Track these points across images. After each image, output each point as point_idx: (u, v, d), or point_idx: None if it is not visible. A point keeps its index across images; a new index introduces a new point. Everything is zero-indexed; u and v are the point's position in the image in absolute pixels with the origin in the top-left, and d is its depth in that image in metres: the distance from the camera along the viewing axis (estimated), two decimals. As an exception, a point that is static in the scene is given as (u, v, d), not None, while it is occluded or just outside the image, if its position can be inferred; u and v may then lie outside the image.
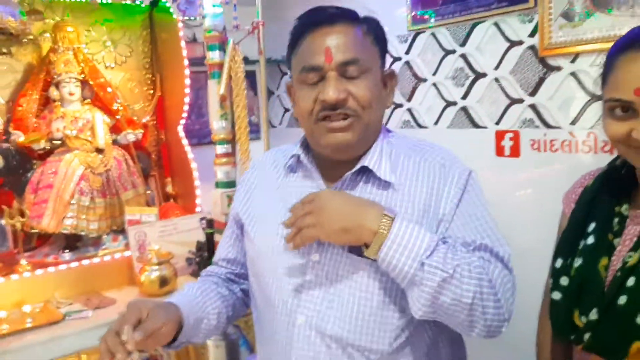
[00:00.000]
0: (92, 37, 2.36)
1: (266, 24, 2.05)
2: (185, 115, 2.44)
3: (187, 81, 2.38)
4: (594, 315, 0.94)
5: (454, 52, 2.19)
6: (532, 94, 1.94)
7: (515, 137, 2.00)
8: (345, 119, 0.99)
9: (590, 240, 1.02)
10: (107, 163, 2.20)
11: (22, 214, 1.98)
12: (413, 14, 2.32)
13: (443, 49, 2.23)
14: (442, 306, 0.89)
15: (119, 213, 2.22)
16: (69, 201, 2.07)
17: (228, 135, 2.13)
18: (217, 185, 2.15)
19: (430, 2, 2.24)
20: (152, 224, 2.15)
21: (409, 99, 2.41)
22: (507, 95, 2.03)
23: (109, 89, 2.29)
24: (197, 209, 2.40)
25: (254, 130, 2.69)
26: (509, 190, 2.05)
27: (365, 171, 1.04)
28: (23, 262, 1.97)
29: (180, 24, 2.32)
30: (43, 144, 2.12)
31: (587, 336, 0.95)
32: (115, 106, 2.29)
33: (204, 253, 2.15)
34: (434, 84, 2.29)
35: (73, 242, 2.13)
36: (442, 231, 0.99)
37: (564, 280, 1.03)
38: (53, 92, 2.17)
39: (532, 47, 1.93)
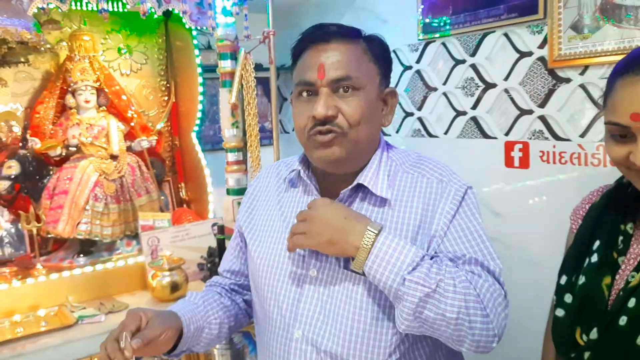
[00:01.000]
0: (108, 44, 2.41)
1: (279, 31, 2.07)
2: (198, 121, 2.49)
3: (200, 89, 2.43)
4: (594, 334, 0.94)
5: (464, 62, 2.20)
6: (542, 105, 1.95)
7: (525, 149, 2.00)
8: (330, 134, 1.00)
9: (595, 258, 1.01)
10: (121, 169, 2.24)
11: (39, 219, 2.03)
12: (424, 23, 2.33)
13: (453, 58, 2.24)
14: (426, 321, 0.89)
15: (133, 218, 2.26)
16: (83, 207, 2.11)
17: (239, 143, 2.16)
18: (228, 192, 2.17)
19: (441, 11, 2.25)
20: (165, 230, 2.18)
21: (420, 108, 2.42)
22: (517, 106, 2.03)
23: (124, 97, 2.34)
24: (210, 215, 2.43)
25: (268, 137, 2.72)
26: (519, 201, 2.05)
27: (362, 187, 1.05)
28: (39, 266, 2.02)
29: (194, 33, 2.36)
30: (59, 151, 2.17)
31: (587, 355, 0.95)
32: (129, 113, 2.34)
33: (215, 259, 2.19)
34: (444, 94, 2.30)
35: (87, 247, 2.17)
36: (434, 247, 0.99)
37: (568, 298, 1.02)
38: (69, 100, 2.22)
39: (541, 59, 1.93)
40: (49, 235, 2.13)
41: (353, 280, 1.00)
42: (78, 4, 2.12)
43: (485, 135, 2.15)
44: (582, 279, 1.01)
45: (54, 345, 1.69)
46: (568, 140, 1.88)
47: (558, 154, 1.90)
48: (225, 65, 2.11)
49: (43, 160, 2.19)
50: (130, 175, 2.26)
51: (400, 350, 0.99)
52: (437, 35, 2.28)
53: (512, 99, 2.04)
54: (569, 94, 1.86)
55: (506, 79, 2.05)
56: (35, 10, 1.83)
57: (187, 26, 2.18)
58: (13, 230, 2.14)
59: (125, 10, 2.26)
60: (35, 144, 2.13)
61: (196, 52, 2.41)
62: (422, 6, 2.33)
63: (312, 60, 1.03)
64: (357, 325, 0.98)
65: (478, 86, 2.16)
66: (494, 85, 2.10)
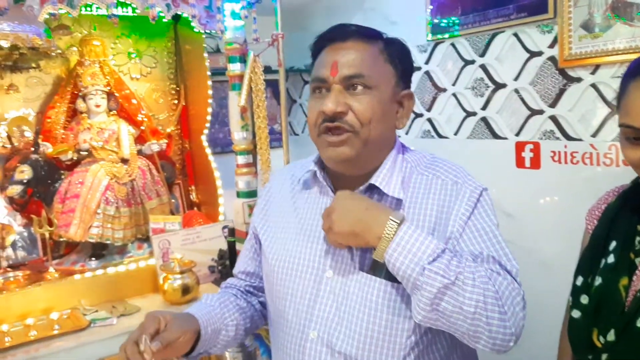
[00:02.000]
0: (118, 49, 2.42)
1: (288, 33, 2.08)
2: (208, 124, 2.50)
3: (210, 92, 2.44)
4: (611, 336, 0.94)
5: (473, 62, 2.19)
6: (553, 105, 1.94)
7: (536, 149, 1.99)
8: (342, 133, 1.01)
9: (611, 259, 1.01)
10: (132, 173, 2.25)
11: (51, 223, 2.04)
12: (433, 24, 2.32)
13: (462, 59, 2.24)
14: (444, 313, 0.89)
15: (144, 222, 2.26)
16: (95, 210, 2.12)
17: (249, 145, 2.16)
18: (238, 195, 2.18)
19: (449, 12, 2.25)
20: (176, 233, 2.19)
21: (429, 109, 2.41)
22: (527, 106, 2.02)
23: (134, 101, 2.35)
24: (220, 217, 2.44)
25: (278, 139, 2.73)
26: (530, 202, 2.04)
27: (376, 188, 1.05)
28: (51, 269, 2.03)
29: (203, 36, 2.37)
30: (70, 155, 2.18)
31: (605, 357, 0.95)
32: (139, 117, 2.35)
33: (226, 261, 2.19)
34: (454, 94, 2.30)
35: (99, 251, 2.18)
36: (450, 248, 0.99)
37: (584, 299, 1.02)
38: (80, 104, 2.23)
39: (552, 58, 1.92)
40: (61, 239, 2.13)
41: (368, 282, 1.00)
42: (88, 9, 2.14)
43: (496, 136, 2.15)
44: (598, 280, 1.01)
45: (67, 348, 1.70)
46: (580, 140, 1.87)
47: (570, 154, 1.89)
48: (235, 68, 2.12)
49: (55, 165, 2.20)
50: (141, 179, 2.27)
51: (415, 353, 0.99)
52: (446, 35, 2.28)
53: (522, 99, 2.03)
54: (580, 93, 1.85)
55: (516, 79, 2.04)
56: (46, 16, 1.84)
57: (196, 30, 2.19)
58: (26, 234, 2.16)
59: (135, 14, 2.28)
60: (47, 148, 2.15)
61: (205, 55, 2.42)
62: (431, 7, 2.32)
63: (327, 57, 1.04)
64: (372, 327, 0.98)
65: (488, 86, 2.15)
66: (504, 86, 2.09)
